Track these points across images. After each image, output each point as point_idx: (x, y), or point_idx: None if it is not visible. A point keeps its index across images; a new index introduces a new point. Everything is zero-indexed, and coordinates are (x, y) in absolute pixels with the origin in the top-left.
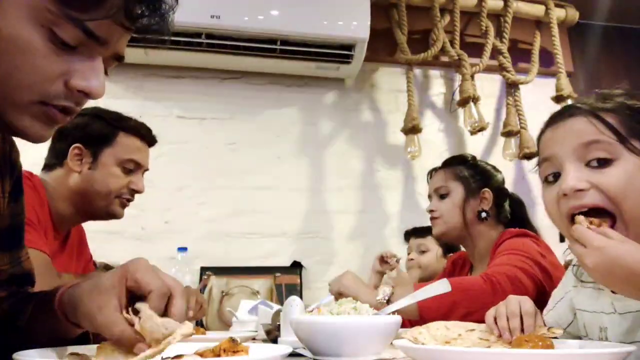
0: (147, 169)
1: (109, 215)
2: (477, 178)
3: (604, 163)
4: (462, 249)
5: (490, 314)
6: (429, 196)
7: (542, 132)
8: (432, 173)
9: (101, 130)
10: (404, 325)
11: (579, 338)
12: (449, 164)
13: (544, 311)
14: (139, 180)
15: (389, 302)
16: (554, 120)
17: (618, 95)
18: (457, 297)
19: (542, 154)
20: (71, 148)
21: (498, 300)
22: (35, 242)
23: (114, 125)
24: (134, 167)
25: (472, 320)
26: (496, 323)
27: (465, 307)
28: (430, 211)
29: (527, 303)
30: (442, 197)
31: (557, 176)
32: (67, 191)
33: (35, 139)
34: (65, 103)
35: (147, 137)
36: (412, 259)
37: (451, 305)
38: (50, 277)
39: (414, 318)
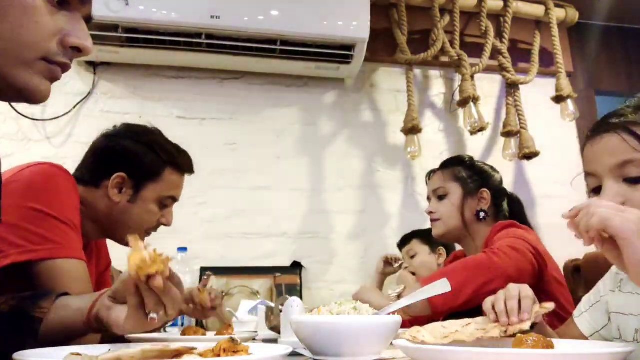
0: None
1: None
2: (475, 178)
3: (638, 180)
4: (458, 247)
5: (488, 300)
6: (428, 198)
7: (584, 146)
8: (430, 175)
9: (152, 165)
10: (404, 325)
11: (611, 341)
12: (446, 165)
13: (575, 313)
14: (169, 214)
15: (399, 297)
16: (592, 135)
17: None
18: (464, 277)
19: (585, 169)
20: (114, 176)
21: (506, 265)
22: (77, 250)
23: (164, 160)
24: (170, 203)
25: (491, 290)
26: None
27: (475, 283)
28: (430, 213)
29: (526, 289)
30: (441, 198)
31: (600, 190)
32: (94, 213)
33: (41, 98)
34: (63, 59)
35: (190, 172)
36: (407, 267)
37: (460, 286)
38: (87, 284)
39: (427, 313)
